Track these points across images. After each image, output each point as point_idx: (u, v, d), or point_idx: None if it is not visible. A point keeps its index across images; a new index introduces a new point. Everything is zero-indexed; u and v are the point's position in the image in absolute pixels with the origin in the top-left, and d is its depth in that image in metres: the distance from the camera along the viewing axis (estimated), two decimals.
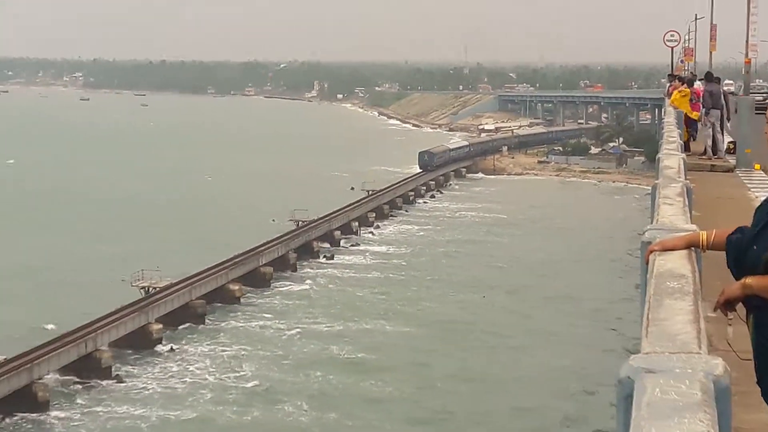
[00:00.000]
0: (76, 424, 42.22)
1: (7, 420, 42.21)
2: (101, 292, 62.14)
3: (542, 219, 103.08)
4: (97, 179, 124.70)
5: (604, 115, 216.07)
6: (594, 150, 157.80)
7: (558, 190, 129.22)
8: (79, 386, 46.83)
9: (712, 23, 73.57)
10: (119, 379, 48.26)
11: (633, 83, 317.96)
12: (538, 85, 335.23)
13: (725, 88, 33.30)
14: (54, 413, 43.16)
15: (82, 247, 79.88)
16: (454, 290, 69.77)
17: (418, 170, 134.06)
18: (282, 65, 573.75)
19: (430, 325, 60.03)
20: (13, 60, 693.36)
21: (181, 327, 57.59)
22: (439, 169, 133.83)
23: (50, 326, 54.05)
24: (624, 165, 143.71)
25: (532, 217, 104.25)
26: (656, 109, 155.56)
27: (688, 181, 10.20)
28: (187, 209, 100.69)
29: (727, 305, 4.29)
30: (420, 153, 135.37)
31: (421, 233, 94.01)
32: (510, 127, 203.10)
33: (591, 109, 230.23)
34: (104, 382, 47.49)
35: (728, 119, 26.60)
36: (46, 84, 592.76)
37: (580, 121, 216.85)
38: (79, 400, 45.05)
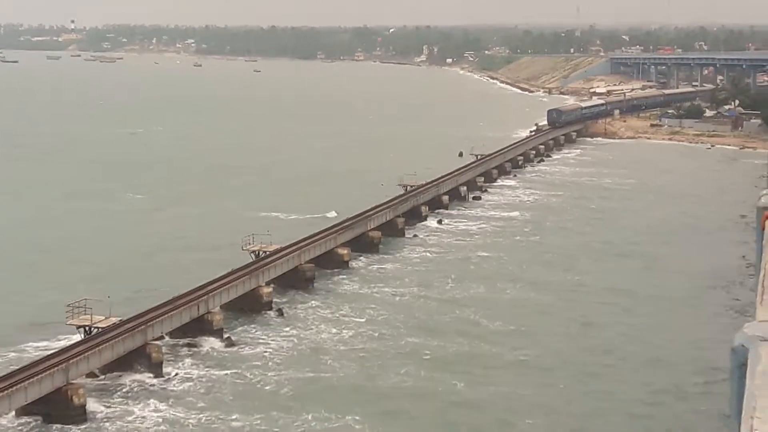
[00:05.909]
0: (190, 384, 42.92)
1: (123, 380, 43.17)
2: (216, 255, 63.37)
3: (654, 184, 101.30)
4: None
5: (720, 77, 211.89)
6: (709, 113, 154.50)
7: (670, 154, 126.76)
8: (192, 348, 47.63)
9: None
10: (230, 341, 48.89)
11: (750, 45, 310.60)
12: (651, 47, 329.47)
13: None
14: (167, 373, 43.91)
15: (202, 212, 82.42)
16: (566, 255, 68.97)
17: (530, 132, 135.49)
18: (391, 30, 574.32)
19: (547, 291, 59.38)
20: (127, 27, 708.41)
21: (290, 290, 58.15)
22: (562, 129, 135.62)
23: (165, 289, 54.97)
24: (740, 128, 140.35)
25: (642, 181, 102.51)
26: None
27: None
28: (306, 175, 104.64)
29: None
30: (549, 110, 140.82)
31: (531, 197, 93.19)
32: (622, 90, 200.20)
33: (706, 72, 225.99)
34: (216, 344, 48.23)
35: None
36: (159, 51, 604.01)
37: (694, 83, 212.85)
38: (191, 361, 45.76)
